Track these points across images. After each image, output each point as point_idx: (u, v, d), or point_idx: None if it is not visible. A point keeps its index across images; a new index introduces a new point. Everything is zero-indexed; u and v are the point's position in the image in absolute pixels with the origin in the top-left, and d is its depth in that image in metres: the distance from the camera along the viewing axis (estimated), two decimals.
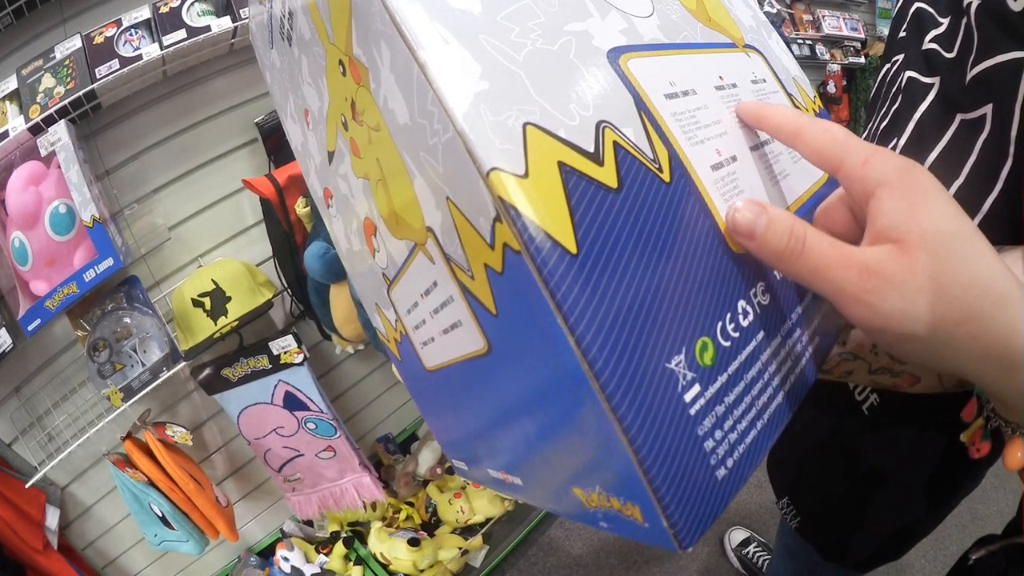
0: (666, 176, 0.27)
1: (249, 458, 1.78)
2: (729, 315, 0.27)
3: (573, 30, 0.27)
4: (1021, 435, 0.35)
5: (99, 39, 1.30)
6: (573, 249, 0.22)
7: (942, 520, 0.77)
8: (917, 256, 0.26)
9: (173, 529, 1.44)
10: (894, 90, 0.59)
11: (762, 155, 0.34)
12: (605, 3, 0.30)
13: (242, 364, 1.52)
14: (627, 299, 0.23)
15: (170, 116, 1.49)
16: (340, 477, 1.69)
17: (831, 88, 3.22)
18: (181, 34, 1.33)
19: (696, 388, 0.25)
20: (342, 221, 0.42)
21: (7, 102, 1.28)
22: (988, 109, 0.48)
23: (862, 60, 3.34)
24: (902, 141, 0.56)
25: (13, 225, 1.26)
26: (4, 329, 1.27)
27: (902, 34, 0.61)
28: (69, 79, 1.26)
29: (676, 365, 0.24)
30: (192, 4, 1.37)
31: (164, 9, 1.35)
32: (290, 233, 1.47)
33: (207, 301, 1.44)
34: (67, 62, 1.28)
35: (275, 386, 1.55)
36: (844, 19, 3.24)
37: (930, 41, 0.56)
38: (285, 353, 1.51)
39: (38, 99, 1.26)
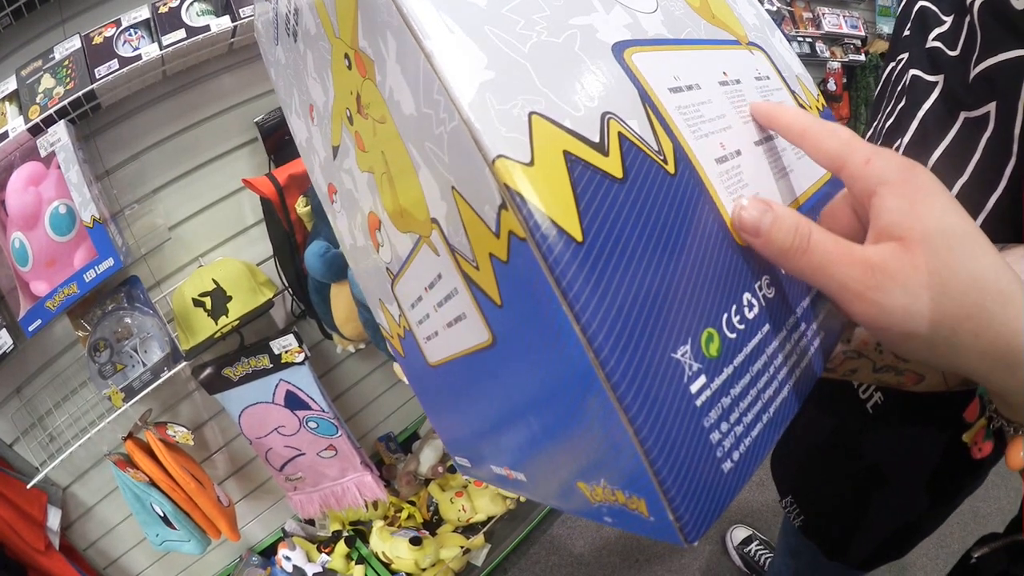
0: (671, 168, 0.27)
1: (250, 457, 1.78)
2: (735, 307, 0.27)
3: (578, 24, 0.27)
4: (1023, 435, 0.35)
5: (98, 39, 1.30)
6: (579, 237, 0.22)
7: (945, 519, 0.77)
8: (919, 253, 0.26)
9: (175, 529, 1.44)
10: (899, 89, 0.59)
11: (766, 150, 0.34)
12: None
13: (243, 363, 1.52)
14: (633, 288, 0.23)
15: (170, 116, 1.49)
16: (342, 476, 1.69)
17: (831, 86, 3.23)
18: (180, 34, 1.33)
19: (702, 379, 0.25)
20: (346, 216, 0.42)
21: (7, 103, 1.28)
22: (992, 107, 0.48)
23: (862, 57, 3.34)
24: (906, 139, 0.56)
25: (13, 226, 1.26)
26: (5, 330, 1.27)
27: (906, 33, 0.61)
28: (68, 79, 1.26)
29: (682, 355, 0.24)
30: (191, 4, 1.37)
31: (163, 9, 1.35)
32: (290, 232, 1.47)
33: (208, 301, 1.44)
34: (66, 62, 1.28)
35: (276, 385, 1.55)
36: (844, 16, 3.24)
37: (934, 39, 0.56)
38: (286, 352, 1.51)
39: (38, 100, 1.26)
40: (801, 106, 0.40)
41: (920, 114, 0.55)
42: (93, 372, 1.39)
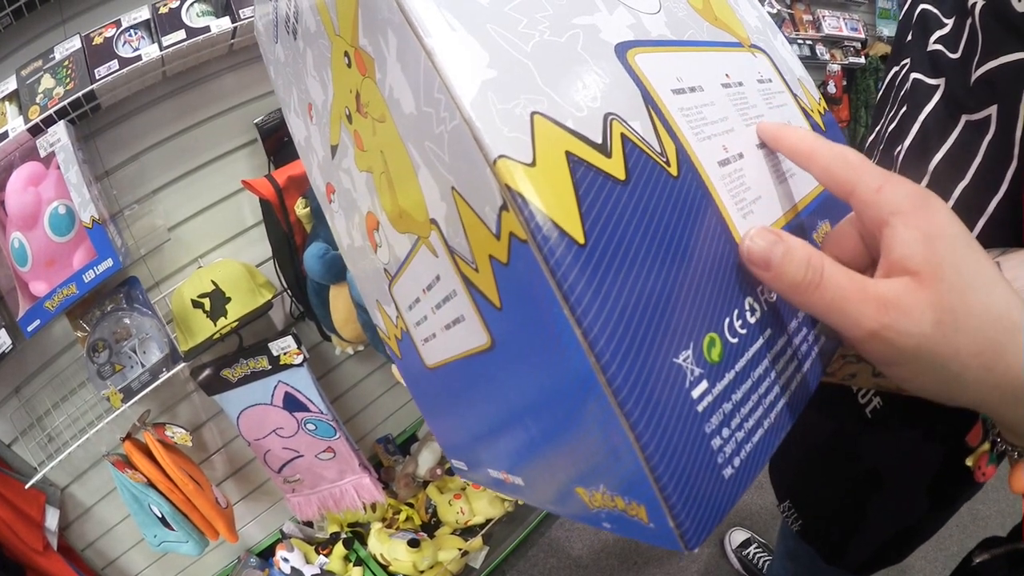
0: (674, 170, 0.27)
1: (249, 459, 1.78)
2: (736, 311, 0.27)
3: (581, 24, 0.27)
4: None
5: (98, 40, 1.30)
6: (581, 239, 0.22)
7: (944, 523, 0.77)
8: (934, 289, 0.26)
9: (173, 530, 1.43)
10: (902, 94, 0.59)
11: (769, 153, 0.34)
12: None
13: (242, 365, 1.52)
14: (635, 291, 0.23)
15: (170, 117, 1.50)
16: (340, 478, 1.69)
17: (831, 88, 3.23)
18: (180, 35, 1.33)
19: (704, 384, 0.25)
20: (344, 216, 0.41)
21: (6, 103, 1.28)
22: (993, 110, 0.48)
23: (862, 60, 3.35)
24: (907, 143, 0.56)
25: (12, 226, 1.26)
26: (4, 330, 1.27)
27: (909, 37, 0.61)
28: (68, 80, 1.26)
29: (684, 360, 0.24)
30: (191, 5, 1.37)
31: (163, 10, 1.35)
32: (290, 234, 1.47)
33: (207, 302, 1.43)
34: (66, 63, 1.28)
35: (275, 387, 1.55)
36: (844, 19, 3.25)
37: (935, 42, 0.56)
38: (285, 354, 1.51)
39: (37, 100, 1.26)
40: (802, 109, 0.40)
41: (921, 117, 0.55)
42: (92, 373, 1.39)
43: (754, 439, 0.26)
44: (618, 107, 0.26)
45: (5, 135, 1.25)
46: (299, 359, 1.52)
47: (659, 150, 0.26)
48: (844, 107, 3.37)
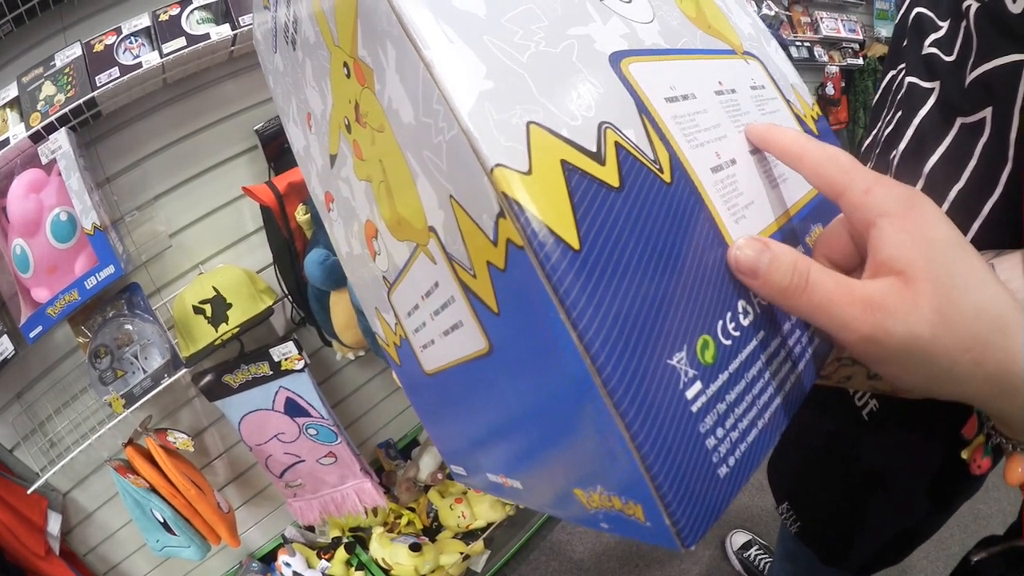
0: (667, 177, 0.27)
1: (250, 464, 1.78)
2: (729, 314, 0.28)
3: (575, 34, 0.28)
4: (1022, 451, 0.35)
5: (99, 47, 1.31)
6: (576, 245, 0.23)
7: (943, 524, 0.77)
8: (921, 288, 0.26)
9: (175, 535, 1.43)
10: (898, 98, 0.60)
11: (761, 159, 0.34)
12: (607, 9, 0.30)
13: (243, 371, 1.52)
14: (629, 295, 0.24)
15: (170, 123, 1.50)
16: (341, 483, 1.68)
17: (829, 90, 3.24)
18: (181, 42, 1.33)
19: (697, 385, 0.25)
20: (343, 225, 0.42)
21: (8, 110, 1.29)
22: (988, 112, 0.48)
23: (860, 62, 3.35)
24: (902, 146, 0.56)
25: (14, 232, 1.27)
26: (6, 336, 1.27)
27: (905, 42, 0.61)
28: (69, 87, 1.27)
29: (678, 362, 0.25)
30: (191, 12, 1.37)
31: (164, 17, 1.35)
32: (290, 240, 1.47)
33: (208, 308, 1.44)
34: (67, 70, 1.28)
35: (276, 392, 1.54)
36: (842, 21, 3.26)
37: (930, 45, 0.56)
38: (286, 359, 1.51)
39: (38, 107, 1.26)
40: (796, 115, 0.40)
41: (916, 121, 0.56)
42: (94, 378, 1.39)
43: (748, 439, 0.27)
44: (612, 116, 0.26)
45: (6, 142, 1.25)
46: (300, 364, 1.52)
47: (652, 157, 0.27)
48: (843, 108, 3.37)
